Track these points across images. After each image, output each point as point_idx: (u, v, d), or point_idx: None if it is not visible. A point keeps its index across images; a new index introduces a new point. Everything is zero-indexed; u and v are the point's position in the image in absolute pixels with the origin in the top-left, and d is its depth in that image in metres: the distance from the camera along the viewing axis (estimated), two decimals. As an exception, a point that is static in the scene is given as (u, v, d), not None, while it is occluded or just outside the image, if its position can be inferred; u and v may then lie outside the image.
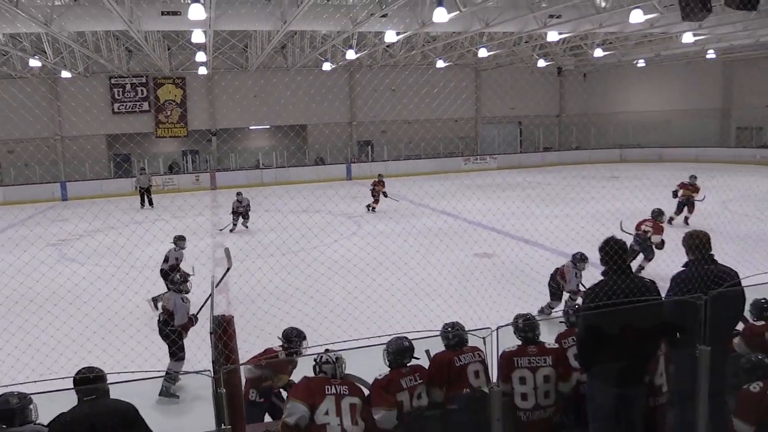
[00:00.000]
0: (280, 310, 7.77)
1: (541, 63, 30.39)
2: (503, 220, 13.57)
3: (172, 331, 6.63)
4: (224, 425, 3.36)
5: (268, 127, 32.45)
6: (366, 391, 4.06)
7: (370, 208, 19.27)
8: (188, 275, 7.76)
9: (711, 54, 28.33)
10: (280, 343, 5.28)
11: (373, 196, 19.43)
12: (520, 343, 4.40)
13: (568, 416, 4.41)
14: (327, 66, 27.53)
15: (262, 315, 7.33)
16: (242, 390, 4.08)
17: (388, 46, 25.81)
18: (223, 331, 3.75)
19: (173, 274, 7.89)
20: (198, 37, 17.91)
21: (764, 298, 5.02)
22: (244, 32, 26.21)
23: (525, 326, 4.43)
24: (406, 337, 4.26)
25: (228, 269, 5.00)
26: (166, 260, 10.06)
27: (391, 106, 29.82)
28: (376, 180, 19.66)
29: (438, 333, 4.45)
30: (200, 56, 22.95)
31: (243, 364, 4.07)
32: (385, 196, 19.12)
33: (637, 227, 10.65)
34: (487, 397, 3.89)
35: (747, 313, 5.01)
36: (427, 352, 4.36)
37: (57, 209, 23.55)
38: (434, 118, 30.77)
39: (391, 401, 3.93)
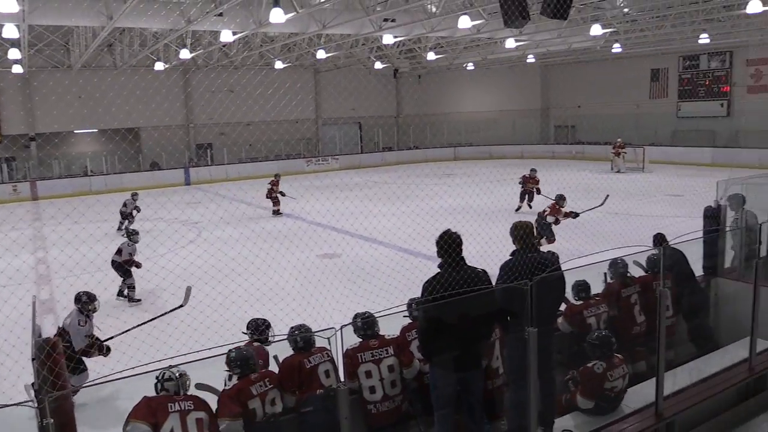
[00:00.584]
0: (112, 327, 7.31)
1: (378, 65, 31.25)
2: (345, 220, 13.79)
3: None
4: (55, 459, 3.09)
5: (95, 131, 30.17)
6: (213, 401, 3.95)
7: (276, 213, 18.50)
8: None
9: (531, 58, 30.92)
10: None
11: (270, 197, 18.64)
12: (361, 340, 4.52)
13: (416, 406, 4.59)
14: (159, 66, 26.16)
15: (95, 333, 6.84)
16: (74, 417, 3.76)
17: (224, 46, 25.10)
18: (47, 355, 3.45)
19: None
20: (10, 32, 16.25)
21: (582, 280, 5.55)
22: (65, 28, 24.16)
23: (364, 324, 4.55)
24: (242, 347, 4.19)
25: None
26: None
27: (230, 108, 29.05)
28: (273, 180, 18.97)
29: (285, 337, 4.44)
30: (13, 53, 20.76)
31: (73, 389, 3.76)
32: (282, 195, 18.58)
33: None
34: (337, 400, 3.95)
35: (568, 295, 5.53)
36: (275, 357, 4.34)
37: None
38: (275, 119, 30.46)
39: (236, 411, 3.85)
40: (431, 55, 27.63)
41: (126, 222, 16.14)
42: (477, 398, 4.38)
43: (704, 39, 23.60)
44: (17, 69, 24.75)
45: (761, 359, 4.92)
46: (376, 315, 4.53)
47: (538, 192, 16.48)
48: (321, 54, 25.29)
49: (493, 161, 31.47)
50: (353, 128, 37.03)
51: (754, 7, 15.68)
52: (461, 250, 4.36)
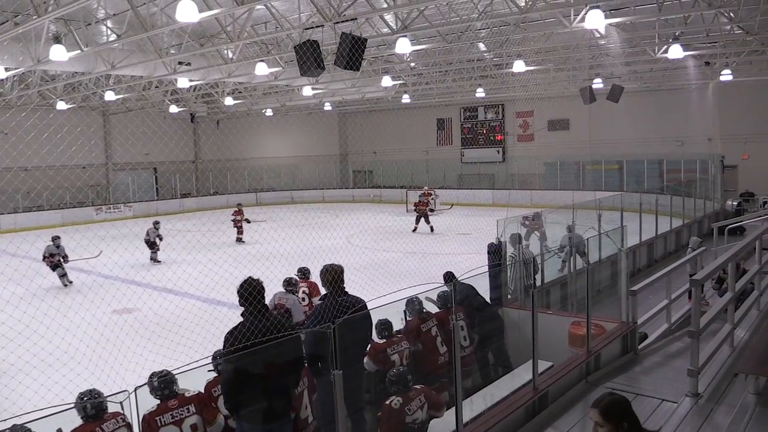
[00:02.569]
0: None
1: (174, 108, 30.16)
2: (141, 272, 12.92)
3: None
4: None
5: None
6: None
7: (239, 240, 19.48)
8: None
9: (328, 106, 31.99)
10: None
11: (236, 226, 19.67)
12: (159, 402, 4.19)
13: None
14: None
15: None
16: None
17: (-7, 83, 22.53)
18: None
19: None
20: None
21: (384, 319, 5.75)
22: None
23: (161, 384, 4.23)
24: (19, 426, 3.68)
25: None
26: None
27: (3, 152, 25.99)
28: (236, 210, 19.98)
29: (72, 405, 3.97)
30: None
31: None
32: (248, 221, 19.52)
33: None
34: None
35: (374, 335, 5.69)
36: (59, 431, 3.84)
37: None
38: (58, 164, 27.82)
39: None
40: (229, 100, 27.36)
41: (154, 251, 15.98)
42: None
43: (480, 93, 26.38)
44: None
45: (542, 379, 5.46)
46: (175, 372, 4.24)
47: (431, 211, 17.74)
48: (110, 95, 23.77)
49: (295, 206, 31.76)
50: (148, 174, 35.08)
51: (518, 66, 18.01)
52: (263, 297, 4.31)
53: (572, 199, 15.12)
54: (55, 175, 27.70)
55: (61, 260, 14.75)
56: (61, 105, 26.02)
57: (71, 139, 26.79)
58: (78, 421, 3.99)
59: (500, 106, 32.68)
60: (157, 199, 34.19)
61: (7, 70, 16.62)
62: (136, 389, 3.40)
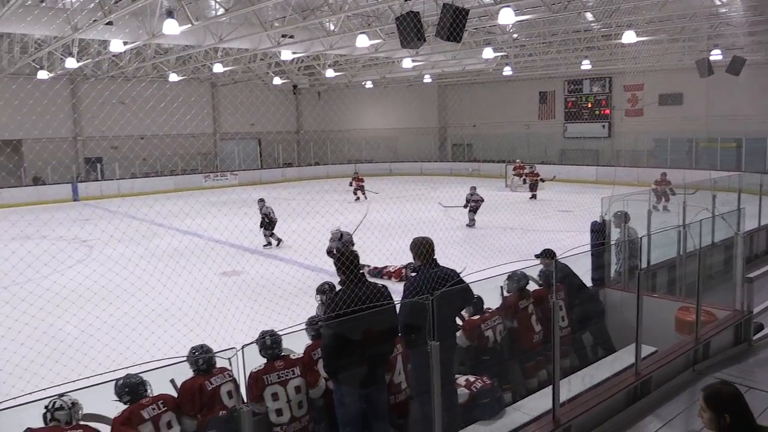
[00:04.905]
0: (5, 350, 6.76)
1: (277, 80, 31.00)
2: (245, 237, 13.49)
3: None
4: None
5: (-31, 142, 27.89)
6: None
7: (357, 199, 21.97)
8: None
9: (428, 78, 31.77)
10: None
11: (354, 193, 21.93)
12: (265, 360, 4.41)
13: (321, 424, 4.53)
14: (43, 74, 24.58)
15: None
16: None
17: (114, 56, 24.00)
18: None
19: None
20: None
21: (476, 296, 5.70)
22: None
23: (271, 344, 4.44)
24: (132, 374, 3.97)
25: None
26: None
27: (123, 121, 27.74)
28: (357, 177, 22.11)
29: (184, 359, 4.26)
30: None
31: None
32: (363, 191, 21.41)
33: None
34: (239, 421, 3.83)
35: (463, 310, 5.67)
36: (172, 381, 4.13)
37: None
38: (171, 133, 29.41)
39: (130, 435, 3.66)
40: (330, 72, 27.76)
41: (267, 230, 15.36)
42: (381, 414, 4.39)
43: (586, 65, 25.27)
44: None
45: (646, 364, 5.25)
46: (281, 333, 4.44)
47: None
48: (218, 68, 24.75)
49: (393, 178, 31.96)
50: (252, 144, 36.42)
51: (628, 37, 17.04)
52: (359, 266, 4.38)
53: (683, 178, 14.31)
54: (169, 143, 29.35)
55: (269, 218, 15.44)
56: (174, 77, 27.38)
57: (183, 110, 28.16)
58: (189, 373, 4.27)
59: (607, 79, 31.21)
60: (261, 168, 35.44)
61: (125, 44, 17.67)
62: (243, 347, 3.57)
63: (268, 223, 15.40)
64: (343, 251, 4.38)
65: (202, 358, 4.19)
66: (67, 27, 15.24)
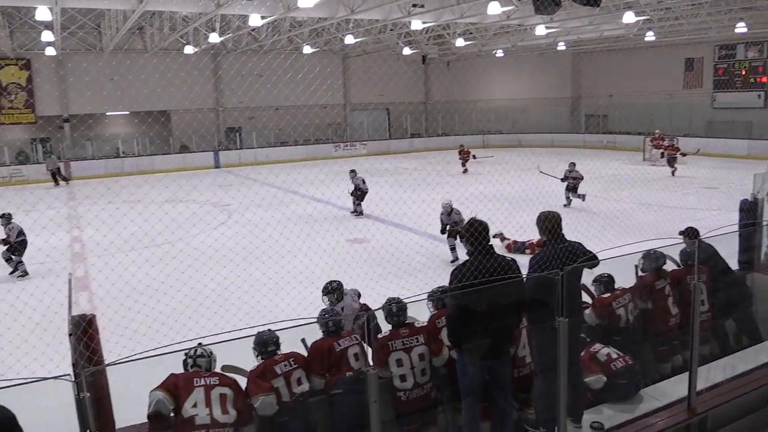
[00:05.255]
0: (146, 305, 7.44)
1: (407, 51, 31.06)
2: (375, 206, 13.79)
3: None
4: (90, 431, 3.15)
5: (127, 113, 30.58)
6: (242, 382, 4.00)
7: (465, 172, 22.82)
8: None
9: (561, 46, 30.41)
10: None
11: (462, 165, 22.83)
12: (390, 327, 4.51)
13: (443, 392, 4.58)
14: (189, 49, 26.32)
15: (125, 312, 6.97)
16: (109, 392, 3.84)
17: (253, 30, 25.17)
18: (83, 331, 3.53)
19: None
20: (43, 14, 16.47)
21: (606, 273, 5.46)
22: (97, 11, 24.41)
23: (398, 310, 4.53)
24: (267, 331, 4.20)
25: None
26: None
27: (259, 92, 29.17)
28: (461, 149, 23.33)
29: (314, 320, 4.45)
30: (47, 35, 21.05)
31: (110, 364, 3.83)
32: (474, 158, 22.60)
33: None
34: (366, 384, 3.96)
35: (591, 287, 5.45)
36: (303, 341, 4.34)
37: None
38: (303, 104, 30.50)
39: (266, 386, 3.91)
40: (460, 42, 27.36)
41: (358, 200, 15.84)
42: (504, 386, 4.36)
43: (741, 28, 22.97)
44: (50, 51, 25.15)
45: (798, 356, 4.83)
46: (407, 301, 4.52)
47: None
48: (349, 39, 25.20)
49: (522, 149, 31.16)
50: (381, 114, 36.94)
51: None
52: (488, 238, 4.32)
53: None
54: (302, 113, 30.46)
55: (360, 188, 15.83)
56: (307, 49, 28.26)
57: (315, 81, 29.04)
58: (319, 334, 4.47)
59: (765, 43, 28.27)
60: (389, 138, 35.90)
61: (263, 18, 18.44)
62: (373, 311, 3.69)
63: (360, 194, 15.67)
64: (471, 221, 4.33)
65: (332, 321, 4.36)
66: (211, 3, 16.16)
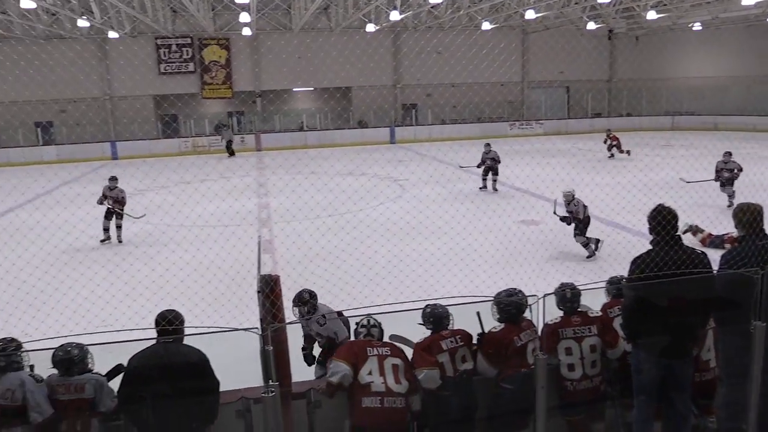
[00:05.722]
0: (327, 271, 7.89)
1: (591, 25, 29.42)
2: (547, 188, 13.36)
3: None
4: (271, 381, 3.44)
5: (312, 89, 32.46)
6: (408, 353, 4.10)
7: (611, 156, 21.21)
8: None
9: (774, 16, 27.00)
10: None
11: (609, 150, 21.47)
12: (561, 313, 4.31)
13: (614, 387, 4.37)
14: (371, 27, 27.21)
15: (308, 276, 7.45)
16: (287, 348, 4.15)
17: (432, 7, 25.33)
18: (271, 290, 3.84)
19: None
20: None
21: None
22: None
23: (572, 296, 4.33)
24: (439, 304, 4.21)
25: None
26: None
27: (437, 69, 29.42)
28: (608, 135, 21.64)
29: (488, 299, 4.33)
30: (244, 17, 22.91)
31: (291, 323, 4.14)
32: (619, 149, 20.92)
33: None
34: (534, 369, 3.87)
35: None
36: (478, 314, 4.20)
37: (108, 168, 24.16)
38: (480, 81, 30.24)
39: (432, 361, 3.96)
40: (652, 14, 25.30)
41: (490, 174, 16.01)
42: (684, 388, 4.06)
43: None
44: (246, 31, 27.37)
45: None
46: (581, 288, 4.33)
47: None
48: (530, 14, 24.41)
49: (718, 133, 28.30)
50: (560, 92, 35.50)
51: None
52: (676, 227, 4.00)
53: None
54: (478, 90, 30.24)
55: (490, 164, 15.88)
56: (486, 25, 27.84)
57: (492, 58, 28.59)
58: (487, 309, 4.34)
59: None
60: (568, 118, 34.47)
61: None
62: (544, 296, 3.59)
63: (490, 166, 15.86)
64: (659, 208, 4.03)
65: (512, 303, 4.18)
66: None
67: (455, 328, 4.18)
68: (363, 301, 5.12)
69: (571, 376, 4.18)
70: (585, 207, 9.72)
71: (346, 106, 32.17)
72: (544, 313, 3.68)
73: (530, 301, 3.64)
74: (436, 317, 4.16)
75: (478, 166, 16.18)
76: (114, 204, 11.34)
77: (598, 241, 9.72)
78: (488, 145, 16.36)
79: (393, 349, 3.99)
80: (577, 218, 9.61)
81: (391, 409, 3.75)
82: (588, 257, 9.49)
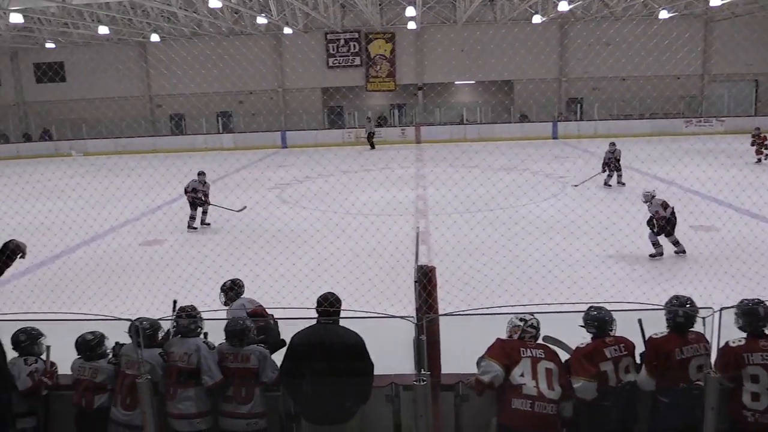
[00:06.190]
0: (484, 265, 7.85)
1: (790, 12, 26.30)
2: (730, 191, 12.16)
3: None
4: (423, 370, 3.51)
5: (473, 82, 32.30)
6: (563, 357, 3.95)
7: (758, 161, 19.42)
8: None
9: None
10: None
11: (757, 151, 19.94)
12: (742, 334, 3.79)
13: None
14: (537, 18, 26.43)
15: (466, 269, 7.45)
16: (439, 339, 4.16)
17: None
18: (428, 280, 3.90)
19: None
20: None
21: None
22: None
23: (766, 314, 3.76)
24: (604, 308, 4.01)
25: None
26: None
27: (605, 62, 27.89)
28: (755, 133, 20.20)
29: (655, 307, 4.03)
30: (410, 11, 23.31)
31: (445, 314, 4.17)
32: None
33: None
34: (704, 389, 3.56)
35: None
36: (640, 321, 3.97)
37: (279, 156, 25.94)
38: (653, 74, 28.26)
39: (592, 371, 3.78)
40: None
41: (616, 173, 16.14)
42: None
43: None
44: (411, 25, 27.87)
45: None
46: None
47: None
48: (715, 1, 22.22)
49: None
50: (747, 87, 32.12)
51: None
52: None
53: None
54: (651, 84, 28.34)
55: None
56: (663, 14, 25.88)
57: (669, 49, 26.57)
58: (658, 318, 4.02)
59: None
60: (755, 115, 31.13)
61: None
62: (721, 309, 3.29)
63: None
64: None
65: (682, 312, 3.82)
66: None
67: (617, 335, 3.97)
68: (509, 300, 5.03)
69: (755, 406, 3.69)
70: (666, 206, 9.28)
71: (508, 100, 31.63)
72: (719, 328, 3.35)
73: (703, 313, 3.32)
74: (600, 321, 3.97)
75: (604, 169, 15.97)
76: (204, 197, 12.41)
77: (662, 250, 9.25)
78: (613, 144, 16.09)
79: (548, 353, 3.87)
80: (663, 218, 9.16)
81: (541, 414, 3.66)
82: (676, 253, 9.19)
